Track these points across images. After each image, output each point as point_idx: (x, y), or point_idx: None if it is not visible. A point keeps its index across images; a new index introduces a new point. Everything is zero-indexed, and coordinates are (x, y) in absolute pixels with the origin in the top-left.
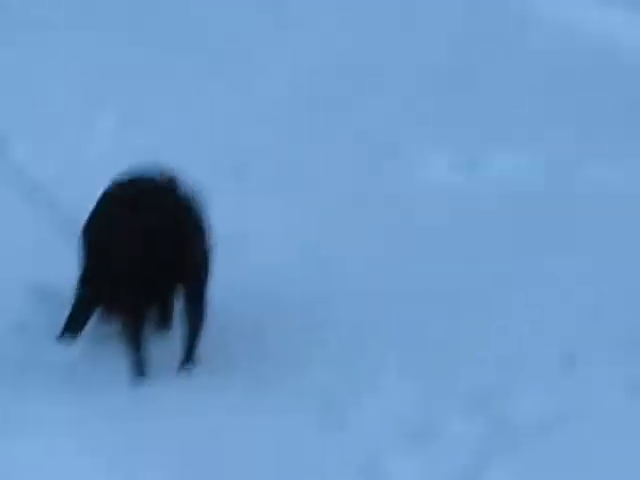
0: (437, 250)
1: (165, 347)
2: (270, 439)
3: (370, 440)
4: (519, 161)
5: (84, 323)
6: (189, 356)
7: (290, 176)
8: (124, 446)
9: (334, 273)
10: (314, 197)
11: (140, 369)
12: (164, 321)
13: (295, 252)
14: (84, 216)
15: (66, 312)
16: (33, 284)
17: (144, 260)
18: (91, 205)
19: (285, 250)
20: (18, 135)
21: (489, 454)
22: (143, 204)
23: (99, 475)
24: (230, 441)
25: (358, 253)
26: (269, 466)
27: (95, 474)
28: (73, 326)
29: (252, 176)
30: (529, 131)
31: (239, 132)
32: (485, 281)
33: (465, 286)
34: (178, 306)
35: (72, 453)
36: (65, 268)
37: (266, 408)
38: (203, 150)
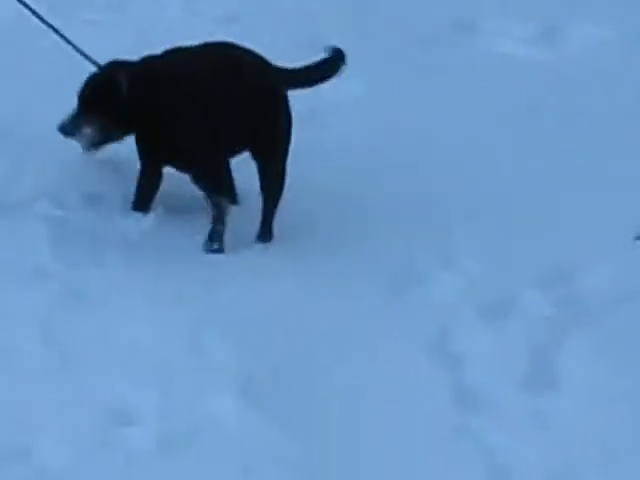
0: (514, 125)
1: (242, 221)
2: (340, 309)
3: (441, 314)
4: (604, 35)
5: (151, 197)
6: (266, 229)
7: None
8: (194, 314)
9: (407, 148)
10: (389, 75)
11: (219, 243)
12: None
13: (369, 126)
14: None
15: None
16: (106, 158)
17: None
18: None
19: (360, 125)
20: None
21: (562, 330)
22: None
23: (168, 343)
24: (298, 311)
25: (432, 128)
26: (337, 334)
27: (164, 341)
28: (141, 202)
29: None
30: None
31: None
32: (561, 156)
33: (538, 160)
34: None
35: (144, 319)
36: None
37: (337, 280)
38: (278, 21)
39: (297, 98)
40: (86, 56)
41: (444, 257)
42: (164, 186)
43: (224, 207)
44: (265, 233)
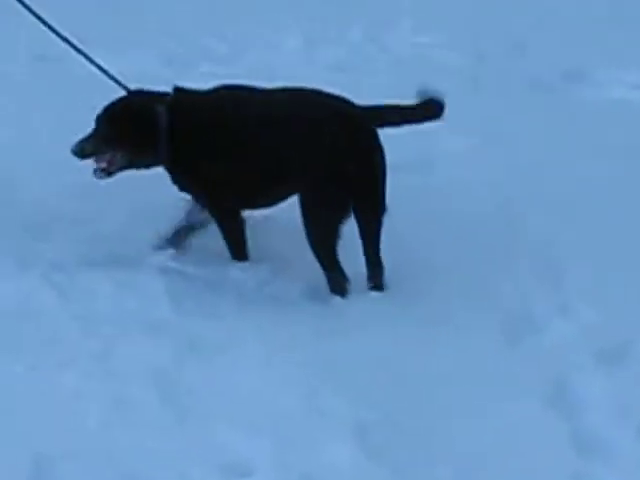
0: (627, 167)
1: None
2: (454, 356)
3: (557, 361)
4: None
5: (244, 242)
6: (378, 276)
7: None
8: (309, 363)
9: (518, 191)
10: (501, 121)
11: (341, 286)
12: None
13: (481, 171)
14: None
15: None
16: None
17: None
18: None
19: (472, 169)
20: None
21: None
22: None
23: (283, 393)
24: (412, 359)
25: (544, 171)
26: (451, 382)
27: (279, 391)
28: (237, 251)
29: None
30: None
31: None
32: None
33: None
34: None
35: (259, 370)
36: None
37: (450, 327)
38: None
39: (408, 146)
40: (117, 81)
41: (558, 302)
42: (278, 235)
43: (339, 283)
44: (378, 280)
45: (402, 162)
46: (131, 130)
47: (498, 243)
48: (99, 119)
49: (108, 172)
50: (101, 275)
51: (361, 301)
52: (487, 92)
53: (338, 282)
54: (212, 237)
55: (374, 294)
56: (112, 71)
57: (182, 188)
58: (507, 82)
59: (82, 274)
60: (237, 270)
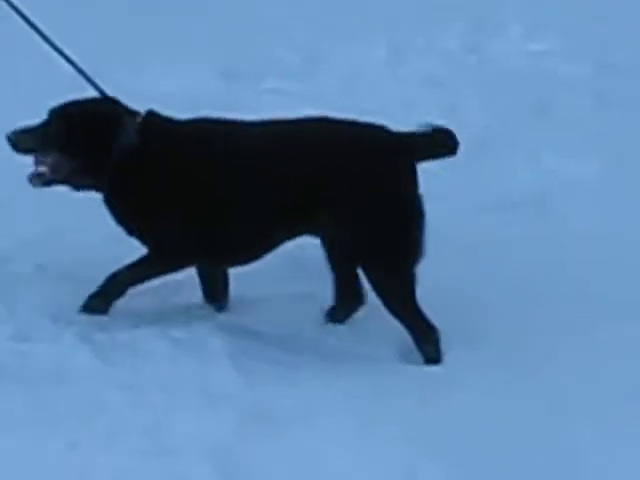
0: None
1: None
2: (566, 428)
3: None
4: None
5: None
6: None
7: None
8: (402, 434)
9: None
10: (627, 156)
11: (435, 346)
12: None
13: (604, 210)
14: None
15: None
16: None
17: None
18: None
19: (594, 208)
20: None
21: None
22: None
23: (373, 472)
24: (531, 431)
25: None
26: (566, 458)
27: (368, 469)
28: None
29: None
30: None
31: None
32: None
33: None
34: None
35: (342, 444)
36: None
37: (575, 392)
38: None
39: (526, 179)
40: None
41: None
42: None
43: (430, 340)
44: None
45: (515, 197)
46: (86, 135)
47: (616, 291)
48: (52, 113)
49: (45, 180)
50: (149, 332)
51: (469, 362)
52: (614, 109)
53: (429, 340)
54: (279, 286)
55: (470, 359)
56: (163, 88)
57: (130, 230)
58: (633, 112)
59: (127, 332)
60: (314, 325)
